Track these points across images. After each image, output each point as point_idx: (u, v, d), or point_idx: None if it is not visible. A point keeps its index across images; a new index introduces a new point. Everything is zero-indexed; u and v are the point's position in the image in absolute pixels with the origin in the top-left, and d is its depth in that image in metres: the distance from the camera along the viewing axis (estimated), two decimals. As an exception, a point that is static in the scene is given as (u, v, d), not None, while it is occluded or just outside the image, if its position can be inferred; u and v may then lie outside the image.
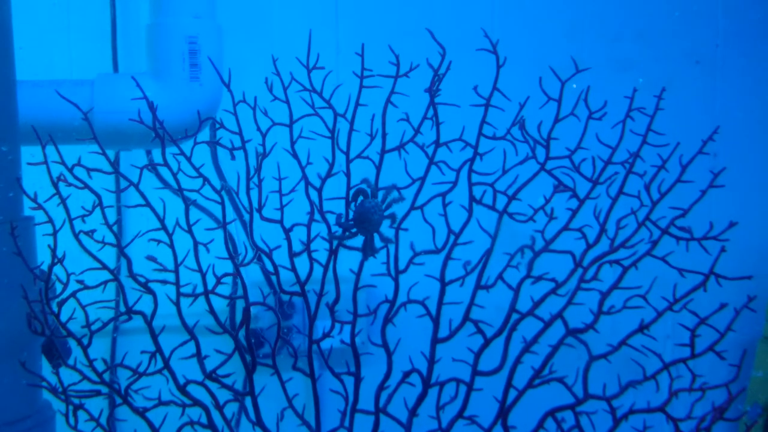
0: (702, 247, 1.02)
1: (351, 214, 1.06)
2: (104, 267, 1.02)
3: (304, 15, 1.83)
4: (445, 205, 1.08)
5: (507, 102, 1.05)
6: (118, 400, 1.05)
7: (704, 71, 1.93)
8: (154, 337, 1.05)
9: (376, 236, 1.07)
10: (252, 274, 1.12)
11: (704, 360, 1.03)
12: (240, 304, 1.10)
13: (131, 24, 1.72)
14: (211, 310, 1.07)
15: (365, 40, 1.06)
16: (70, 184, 1.01)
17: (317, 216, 1.08)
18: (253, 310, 1.08)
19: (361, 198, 1.06)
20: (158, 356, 1.05)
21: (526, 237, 1.08)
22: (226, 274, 1.07)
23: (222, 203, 1.08)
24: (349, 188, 1.08)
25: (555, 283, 1.08)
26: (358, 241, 1.08)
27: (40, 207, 1.01)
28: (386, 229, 1.08)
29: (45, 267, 1.03)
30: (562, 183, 1.07)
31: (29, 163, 1.02)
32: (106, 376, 1.05)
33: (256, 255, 1.07)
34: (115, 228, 1.03)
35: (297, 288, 1.10)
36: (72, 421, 1.04)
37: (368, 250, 1.07)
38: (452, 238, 1.08)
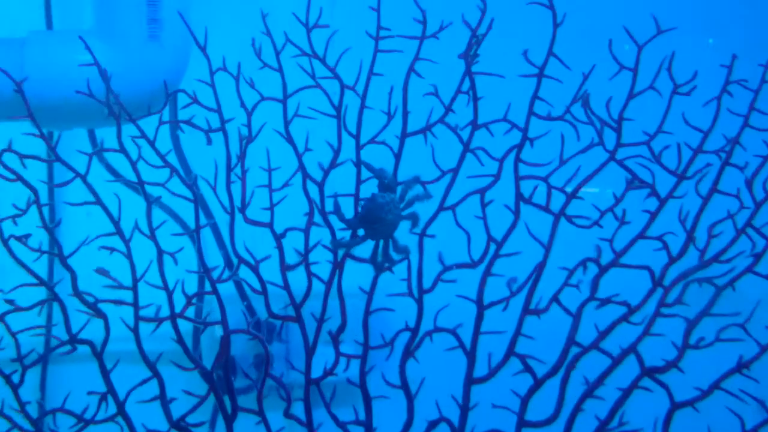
0: (823, 264, 0.92)
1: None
2: (42, 283, 0.91)
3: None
4: (483, 206, 0.95)
5: (566, 72, 0.92)
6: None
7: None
8: (106, 374, 0.92)
9: (392, 243, 0.92)
10: (227, 290, 1.01)
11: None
12: (210, 331, 1.01)
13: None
14: (180, 340, 0.93)
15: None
16: None
17: (318, 218, 0.96)
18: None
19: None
20: (110, 398, 0.93)
21: (590, 248, 0.96)
22: (198, 293, 0.96)
23: (195, 201, 0.95)
24: (359, 182, 0.95)
25: (627, 307, 0.96)
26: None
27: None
28: (405, 234, 0.94)
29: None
30: (638, 177, 0.95)
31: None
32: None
33: (237, 269, 0.94)
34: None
35: (289, 310, 0.96)
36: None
37: (382, 262, 0.92)
38: (493, 247, 0.96)
